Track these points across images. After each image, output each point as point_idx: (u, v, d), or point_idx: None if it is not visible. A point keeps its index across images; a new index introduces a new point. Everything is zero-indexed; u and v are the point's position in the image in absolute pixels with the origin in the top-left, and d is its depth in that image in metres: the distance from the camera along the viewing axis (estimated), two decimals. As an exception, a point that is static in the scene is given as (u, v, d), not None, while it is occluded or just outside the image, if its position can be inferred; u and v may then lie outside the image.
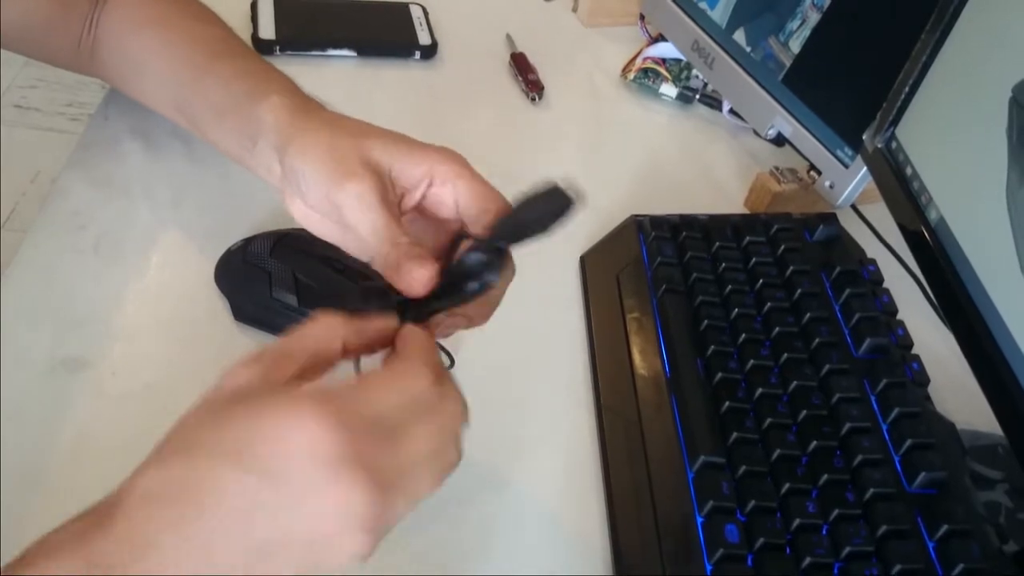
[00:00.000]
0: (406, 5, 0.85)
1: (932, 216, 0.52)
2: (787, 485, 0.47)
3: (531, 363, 0.57)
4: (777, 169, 0.71)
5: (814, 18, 0.69)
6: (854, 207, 0.68)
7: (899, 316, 0.57)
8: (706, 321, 0.55)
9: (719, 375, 0.52)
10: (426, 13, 0.85)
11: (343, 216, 0.42)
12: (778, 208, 0.70)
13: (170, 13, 0.57)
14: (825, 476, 0.47)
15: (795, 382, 0.52)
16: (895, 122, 0.58)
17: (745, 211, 0.71)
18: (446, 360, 0.52)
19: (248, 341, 0.54)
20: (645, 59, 0.83)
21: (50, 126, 1.94)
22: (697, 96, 0.82)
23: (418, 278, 0.39)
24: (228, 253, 0.56)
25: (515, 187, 0.75)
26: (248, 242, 0.56)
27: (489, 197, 0.44)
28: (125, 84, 0.61)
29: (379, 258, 0.41)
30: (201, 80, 0.53)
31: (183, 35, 0.56)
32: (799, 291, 0.57)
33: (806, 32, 0.69)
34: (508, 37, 0.86)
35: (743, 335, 0.54)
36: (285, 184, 0.45)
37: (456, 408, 0.36)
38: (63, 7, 0.58)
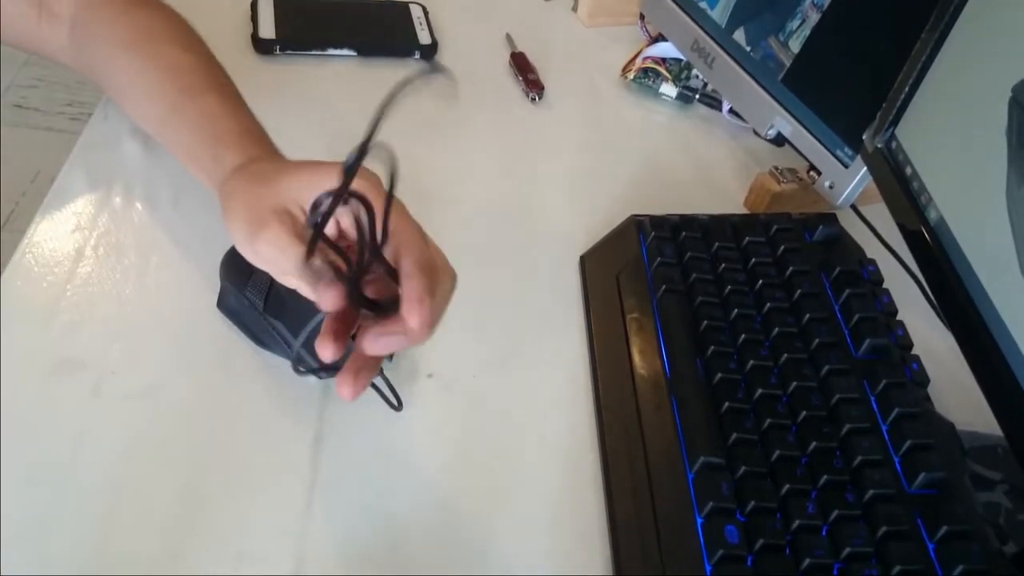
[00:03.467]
0: (406, 5, 0.85)
1: (932, 216, 0.52)
2: (787, 486, 0.47)
3: (531, 363, 0.57)
4: (777, 169, 0.71)
5: (814, 18, 0.69)
6: (854, 207, 0.68)
7: (899, 316, 0.57)
8: (706, 321, 0.55)
9: (719, 375, 0.52)
10: (426, 13, 0.85)
11: (265, 261, 0.45)
12: (778, 208, 0.70)
13: (140, 37, 0.58)
14: (825, 477, 0.47)
15: (795, 382, 0.52)
16: (895, 122, 0.58)
17: (745, 211, 0.71)
18: (394, 401, 0.52)
19: (245, 346, 0.54)
20: (645, 59, 0.83)
21: (50, 126, 1.94)
22: (697, 96, 0.82)
23: (328, 297, 0.41)
24: (232, 248, 0.56)
25: (514, 186, 0.75)
26: None
27: (408, 244, 0.44)
28: (112, 97, 0.63)
29: (303, 286, 0.45)
30: (171, 119, 0.55)
31: (156, 63, 0.57)
32: (799, 291, 0.57)
33: (806, 32, 0.69)
34: (508, 37, 0.86)
35: (743, 335, 0.54)
36: None
37: None
38: None
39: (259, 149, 0.51)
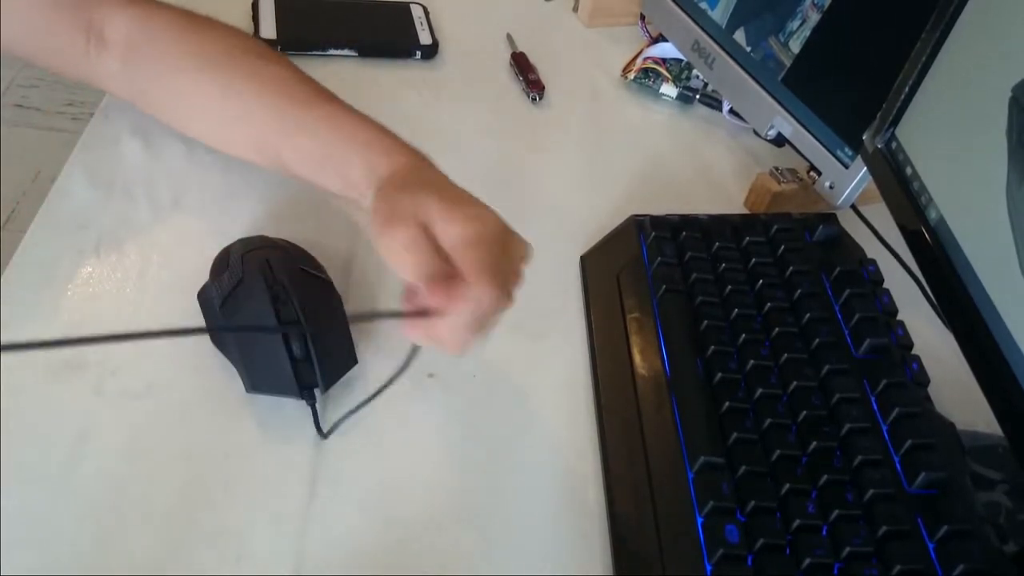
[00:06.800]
0: (407, 5, 0.85)
1: (932, 216, 0.52)
2: (787, 485, 0.47)
3: (531, 363, 0.57)
4: (777, 169, 0.71)
5: (814, 18, 0.69)
6: (854, 207, 0.68)
7: (899, 316, 0.57)
8: (706, 321, 0.55)
9: (719, 375, 0.52)
10: (427, 13, 0.85)
11: (385, 254, 0.47)
12: (778, 208, 0.70)
13: (218, 52, 0.57)
14: (825, 476, 0.47)
15: (795, 382, 0.52)
16: (895, 122, 0.58)
17: (745, 211, 0.72)
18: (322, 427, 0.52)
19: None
20: (645, 59, 0.83)
21: (50, 126, 1.94)
22: (697, 96, 0.82)
23: (441, 296, 0.46)
24: (232, 242, 0.56)
25: (515, 186, 0.75)
26: (246, 239, 0.56)
27: (473, 270, 0.47)
28: (178, 120, 0.61)
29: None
30: (287, 128, 0.55)
31: (250, 77, 0.56)
32: (799, 291, 0.57)
33: (806, 32, 0.69)
34: (509, 37, 0.86)
35: (743, 335, 0.54)
36: None
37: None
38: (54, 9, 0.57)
39: (406, 155, 0.53)
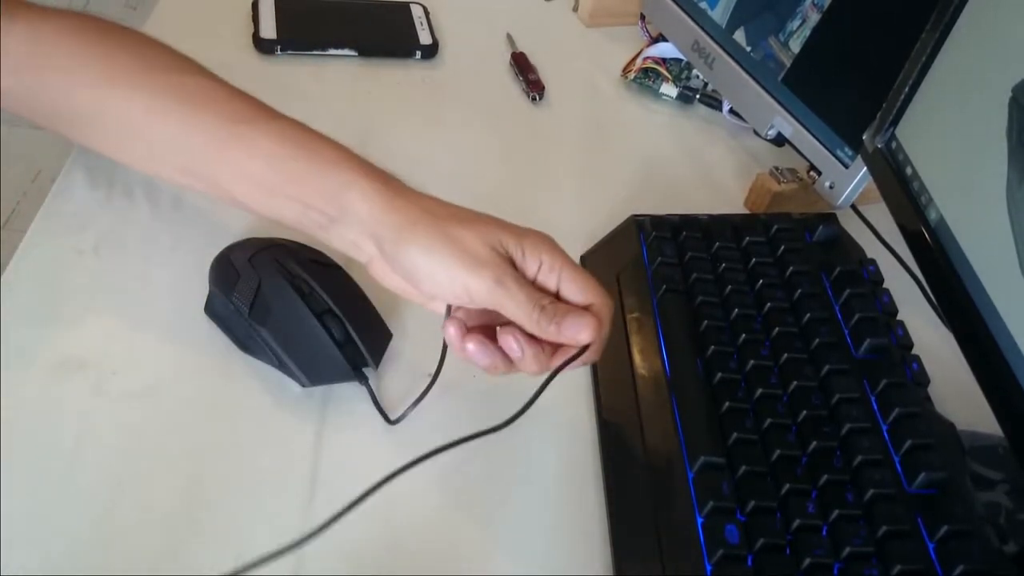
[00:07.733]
0: (407, 5, 0.85)
1: (932, 216, 0.52)
2: (787, 485, 0.47)
3: (531, 363, 0.57)
4: (777, 169, 0.71)
5: (814, 18, 0.69)
6: (854, 207, 0.68)
7: (899, 316, 0.57)
8: (706, 321, 0.55)
9: (719, 375, 0.52)
10: (427, 13, 0.85)
11: (474, 297, 0.46)
12: (778, 208, 0.70)
13: (135, 67, 0.51)
14: (825, 476, 0.47)
15: (795, 382, 0.52)
16: (895, 122, 0.58)
17: (745, 211, 0.72)
18: (388, 415, 0.52)
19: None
20: (645, 59, 0.83)
21: (51, 126, 1.94)
22: (697, 96, 0.82)
23: (584, 326, 0.46)
24: (224, 249, 0.56)
25: (515, 186, 0.75)
26: (241, 243, 0.56)
27: (589, 286, 0.47)
28: (88, 141, 0.54)
29: (530, 324, 0.46)
30: (226, 149, 0.49)
31: (174, 93, 0.50)
32: (799, 291, 0.57)
33: (806, 32, 0.69)
34: (509, 37, 0.86)
35: (743, 335, 0.54)
36: (380, 263, 0.49)
37: None
38: None
39: (390, 180, 0.49)
